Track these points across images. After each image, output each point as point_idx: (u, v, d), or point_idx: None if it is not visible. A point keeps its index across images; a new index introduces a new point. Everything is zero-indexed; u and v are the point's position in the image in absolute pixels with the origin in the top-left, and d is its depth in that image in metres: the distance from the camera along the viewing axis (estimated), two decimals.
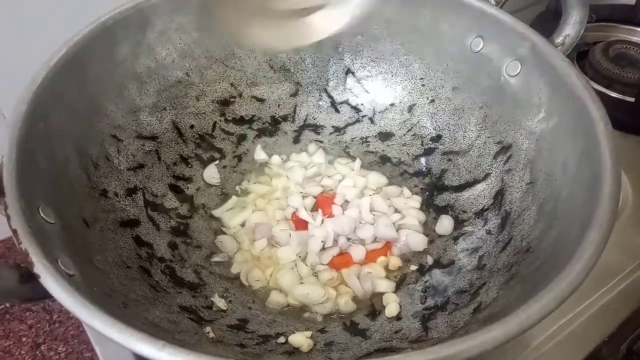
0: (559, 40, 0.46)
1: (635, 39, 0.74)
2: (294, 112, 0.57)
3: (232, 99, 0.55)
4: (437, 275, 0.45)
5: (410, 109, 0.55)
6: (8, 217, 0.30)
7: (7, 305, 0.62)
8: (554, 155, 0.41)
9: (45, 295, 0.28)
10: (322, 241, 0.47)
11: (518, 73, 0.45)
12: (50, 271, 0.28)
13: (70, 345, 0.62)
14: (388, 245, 0.48)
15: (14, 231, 0.29)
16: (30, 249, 0.28)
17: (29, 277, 0.28)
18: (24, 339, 0.61)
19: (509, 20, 0.46)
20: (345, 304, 0.44)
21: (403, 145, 0.55)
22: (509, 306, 0.34)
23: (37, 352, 0.61)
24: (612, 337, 0.45)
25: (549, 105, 0.43)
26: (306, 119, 0.57)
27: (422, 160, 0.54)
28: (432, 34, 0.51)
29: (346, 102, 0.58)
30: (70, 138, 0.40)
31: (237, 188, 0.53)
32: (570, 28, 0.47)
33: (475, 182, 0.49)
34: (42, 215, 0.33)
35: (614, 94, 0.64)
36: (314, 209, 0.51)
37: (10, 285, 0.29)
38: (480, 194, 0.48)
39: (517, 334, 0.26)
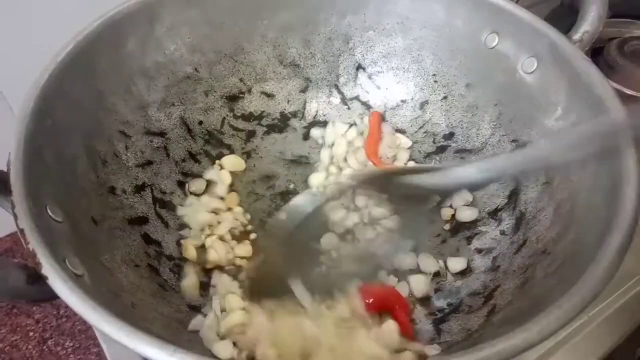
0: (576, 36, 0.45)
1: None
2: (304, 108, 0.56)
3: (241, 95, 0.54)
4: (450, 276, 0.44)
5: (423, 105, 0.54)
6: (15, 216, 0.29)
7: None
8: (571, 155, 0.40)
9: (53, 296, 0.27)
10: None
11: (534, 70, 0.44)
12: (58, 272, 0.27)
13: (77, 340, 0.61)
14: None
15: (21, 230, 0.29)
16: (37, 249, 0.28)
17: (36, 277, 0.27)
18: (31, 334, 0.61)
19: (526, 16, 0.45)
20: None
21: (415, 142, 0.54)
22: (524, 310, 0.34)
23: (44, 346, 0.61)
24: (627, 341, 0.45)
25: (567, 103, 0.42)
26: (316, 115, 0.57)
27: (435, 158, 0.53)
28: (445, 29, 0.50)
29: (357, 98, 0.56)
30: (78, 134, 0.40)
31: None
32: (589, 24, 0.45)
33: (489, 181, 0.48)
34: (49, 213, 0.32)
35: (629, 91, 0.63)
36: None
37: (18, 286, 0.28)
38: (494, 193, 0.47)
39: (537, 342, 0.26)
